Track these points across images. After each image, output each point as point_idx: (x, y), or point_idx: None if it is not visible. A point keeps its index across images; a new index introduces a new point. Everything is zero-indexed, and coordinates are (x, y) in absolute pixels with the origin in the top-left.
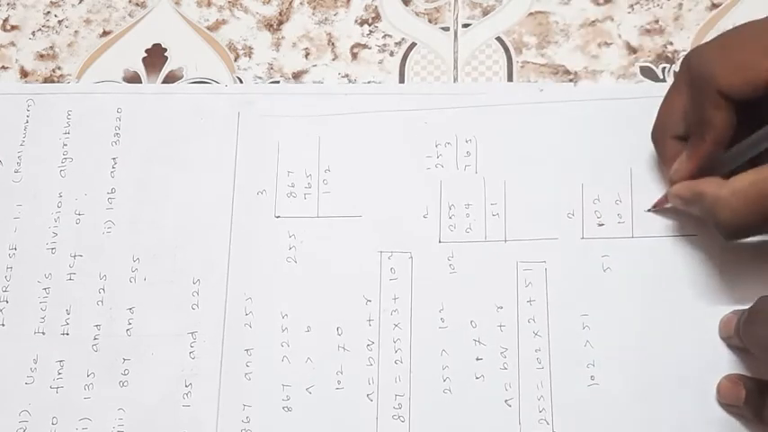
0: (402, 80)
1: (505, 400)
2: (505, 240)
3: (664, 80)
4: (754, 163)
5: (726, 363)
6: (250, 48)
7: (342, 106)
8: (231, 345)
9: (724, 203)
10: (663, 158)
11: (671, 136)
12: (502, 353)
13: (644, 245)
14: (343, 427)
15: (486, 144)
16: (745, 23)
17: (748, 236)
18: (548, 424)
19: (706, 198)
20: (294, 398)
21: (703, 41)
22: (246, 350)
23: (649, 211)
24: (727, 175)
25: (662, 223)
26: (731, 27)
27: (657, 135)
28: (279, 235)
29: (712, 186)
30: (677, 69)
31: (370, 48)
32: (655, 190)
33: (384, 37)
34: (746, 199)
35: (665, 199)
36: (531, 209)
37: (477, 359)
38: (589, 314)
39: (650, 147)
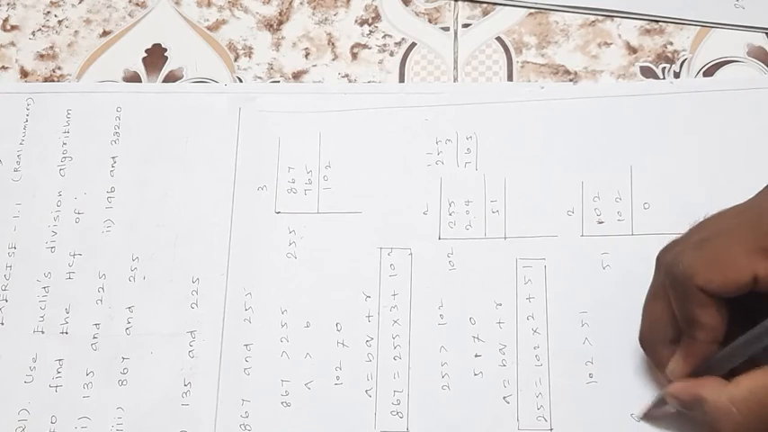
0: (402, 80)
1: (504, 397)
2: (505, 237)
3: (664, 79)
4: (755, 361)
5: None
6: (250, 48)
7: (342, 103)
8: (230, 340)
9: (725, 415)
10: (657, 365)
11: (662, 342)
12: (500, 349)
13: (643, 242)
14: (341, 423)
15: (487, 141)
16: (718, 215)
17: None
18: (546, 421)
19: (706, 404)
20: (293, 393)
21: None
22: (246, 345)
23: (640, 419)
24: (727, 374)
25: (662, 221)
26: (701, 220)
27: (646, 343)
28: (279, 231)
29: (712, 391)
30: (677, 70)
31: (370, 48)
32: (655, 189)
33: (384, 37)
34: (748, 410)
35: (651, 407)
36: (530, 206)
37: (476, 356)
38: (588, 311)
39: (651, 144)
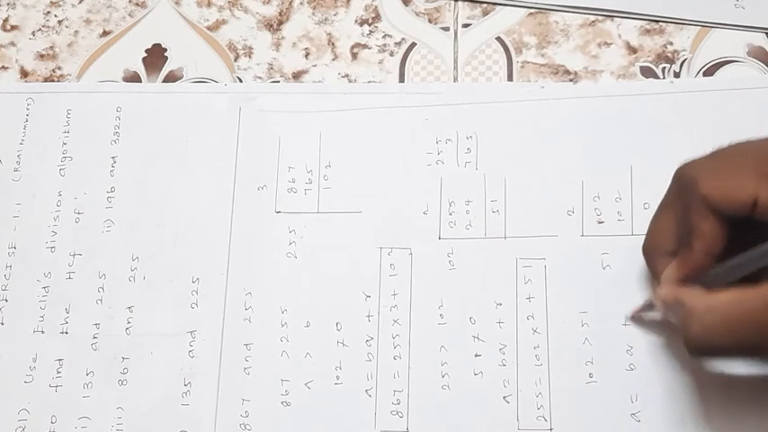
0: (402, 80)
1: (504, 397)
2: (505, 237)
3: (664, 79)
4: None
5: None
6: (250, 48)
7: (343, 103)
8: (230, 339)
9: (697, 318)
10: (654, 273)
11: (662, 253)
12: (500, 349)
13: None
14: (341, 422)
15: (487, 141)
16: (743, 142)
17: (714, 357)
18: (545, 421)
19: (683, 307)
20: (293, 392)
21: (703, 42)
22: (246, 345)
23: (629, 320)
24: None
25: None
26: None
27: (648, 252)
28: (279, 230)
29: (692, 297)
30: (677, 70)
31: (370, 48)
32: (655, 188)
33: (384, 37)
34: (723, 318)
35: (639, 310)
36: (531, 206)
37: (476, 355)
38: (588, 311)
39: (651, 144)
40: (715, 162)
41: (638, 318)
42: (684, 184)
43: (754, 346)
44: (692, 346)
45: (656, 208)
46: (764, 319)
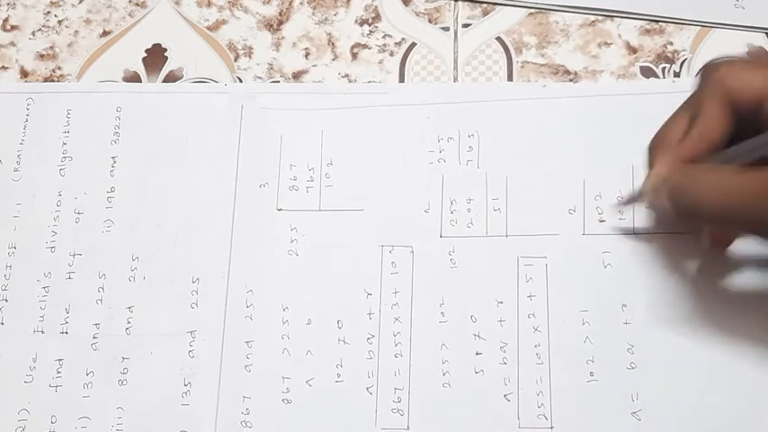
0: (402, 80)
1: (504, 395)
2: (506, 236)
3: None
4: None
5: (722, 355)
6: (250, 48)
7: (345, 101)
8: (231, 337)
9: (690, 183)
10: (651, 165)
11: (666, 146)
12: (501, 348)
13: (645, 241)
14: (342, 420)
15: (489, 139)
16: None
17: (700, 223)
18: (546, 419)
19: (674, 179)
20: (294, 390)
21: (703, 42)
22: (247, 342)
23: (618, 205)
24: None
25: (663, 220)
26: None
27: (652, 144)
28: (280, 228)
29: (686, 169)
30: (677, 69)
31: (370, 48)
32: None
33: (384, 37)
34: (713, 185)
35: (624, 203)
36: (532, 204)
37: (477, 354)
38: (589, 310)
39: None
40: (744, 61)
41: (624, 205)
42: (708, 72)
43: (745, 218)
44: (680, 210)
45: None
46: (758, 194)
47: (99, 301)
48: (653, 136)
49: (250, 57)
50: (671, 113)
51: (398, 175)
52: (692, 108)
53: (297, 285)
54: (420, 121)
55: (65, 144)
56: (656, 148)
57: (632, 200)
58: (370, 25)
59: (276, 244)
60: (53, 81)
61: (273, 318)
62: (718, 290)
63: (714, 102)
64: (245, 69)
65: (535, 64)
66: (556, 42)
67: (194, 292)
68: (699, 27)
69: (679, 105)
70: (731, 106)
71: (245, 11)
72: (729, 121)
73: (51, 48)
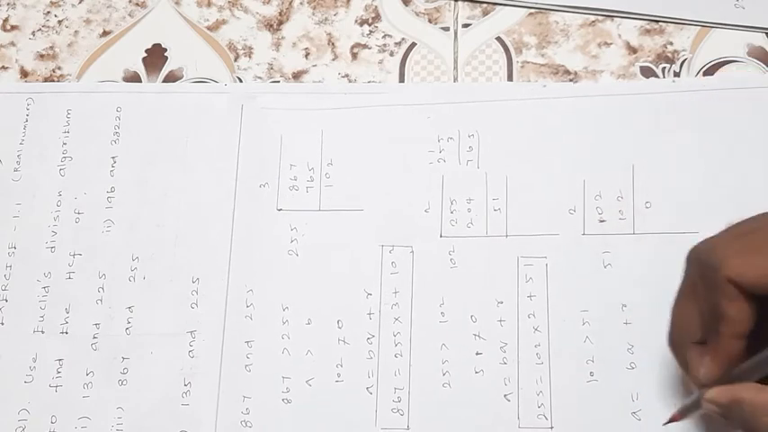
0: (402, 80)
1: (504, 395)
2: (506, 236)
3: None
4: None
5: None
6: (250, 48)
7: (345, 101)
8: (232, 337)
9: (762, 411)
10: (683, 365)
11: (688, 342)
12: (501, 348)
13: (645, 242)
14: (342, 420)
15: (489, 139)
16: (757, 215)
17: None
18: (546, 419)
19: (744, 404)
20: (294, 390)
21: (703, 42)
22: (247, 342)
23: (672, 419)
24: (764, 380)
25: (663, 220)
26: (739, 220)
27: (674, 344)
28: (281, 228)
29: (750, 392)
30: (677, 69)
31: (370, 48)
32: (657, 188)
33: (384, 37)
34: None
35: (679, 415)
36: (532, 204)
37: (477, 354)
38: (589, 310)
39: (652, 143)
40: (735, 242)
41: (677, 420)
42: (704, 267)
43: None
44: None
45: (656, 212)
46: None
47: (99, 301)
48: (668, 334)
49: (250, 57)
50: (674, 301)
51: (399, 175)
52: (697, 298)
53: (297, 285)
54: (420, 121)
55: (65, 144)
56: (680, 347)
57: (690, 410)
58: (370, 25)
59: (276, 244)
60: (53, 81)
61: (273, 317)
62: None
63: (732, 300)
64: (245, 69)
65: (535, 64)
66: (556, 42)
67: (194, 292)
68: (699, 27)
69: (676, 296)
70: (749, 296)
71: (245, 11)
72: (753, 311)
73: (51, 48)
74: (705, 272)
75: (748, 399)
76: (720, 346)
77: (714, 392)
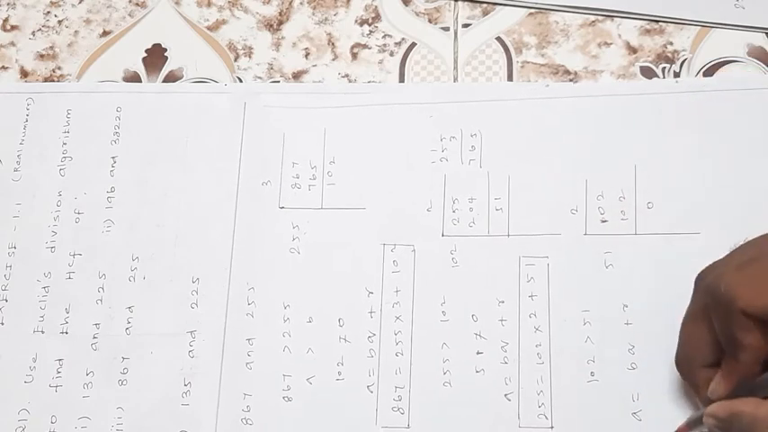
0: (402, 80)
1: (505, 395)
2: (508, 235)
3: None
4: None
5: None
6: (250, 48)
7: (347, 100)
8: (233, 334)
9: (762, 424)
10: (694, 387)
11: (699, 365)
12: (502, 347)
13: (647, 242)
14: (342, 418)
15: (491, 139)
16: (760, 238)
17: None
18: (546, 419)
19: (743, 418)
20: (295, 388)
21: (703, 42)
22: (248, 339)
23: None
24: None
25: (665, 221)
26: (742, 242)
27: (684, 366)
28: (283, 226)
29: (750, 406)
30: (677, 69)
31: (370, 48)
32: (658, 188)
33: (384, 37)
34: None
35: (685, 428)
36: (534, 204)
37: (478, 353)
38: (590, 310)
39: (654, 143)
40: (743, 272)
41: (686, 430)
42: (716, 298)
43: None
44: None
45: (658, 212)
46: None
47: (99, 301)
48: (677, 356)
49: (250, 57)
50: (683, 323)
51: (401, 173)
52: (706, 323)
53: (298, 283)
54: (423, 121)
55: (65, 144)
56: (689, 368)
57: (692, 426)
58: (370, 25)
59: (278, 242)
60: (53, 81)
61: (275, 315)
62: None
63: (749, 330)
64: (245, 69)
65: (535, 64)
66: (556, 42)
67: (194, 292)
68: (699, 27)
69: (684, 318)
70: (762, 324)
71: (245, 11)
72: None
73: (51, 48)
74: (718, 302)
75: (748, 412)
76: (737, 370)
77: (714, 407)
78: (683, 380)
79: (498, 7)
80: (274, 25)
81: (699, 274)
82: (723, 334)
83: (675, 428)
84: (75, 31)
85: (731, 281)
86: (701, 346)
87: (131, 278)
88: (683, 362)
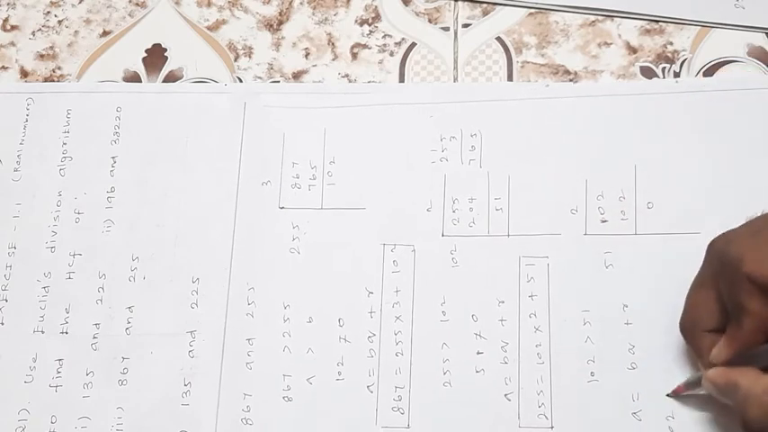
0: (402, 80)
1: (505, 395)
2: (508, 235)
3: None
4: None
5: None
6: (250, 48)
7: (347, 100)
8: (233, 334)
9: (755, 400)
10: (697, 351)
11: (702, 330)
12: (502, 347)
13: (646, 242)
14: (342, 418)
15: (492, 139)
16: None
17: None
18: (546, 419)
19: (739, 390)
20: (295, 388)
21: (703, 42)
22: (248, 339)
23: (671, 394)
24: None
25: (665, 221)
26: (761, 214)
27: (688, 330)
28: (283, 226)
29: (748, 379)
30: (677, 69)
31: (370, 48)
32: (659, 188)
33: (384, 37)
34: None
35: (683, 388)
36: (534, 204)
37: (478, 353)
38: (590, 310)
39: (655, 143)
40: (753, 240)
41: (680, 394)
42: (725, 262)
43: None
44: (750, 428)
45: (658, 212)
46: None
47: (99, 301)
48: (682, 319)
49: (250, 57)
50: (690, 289)
51: (401, 173)
52: (715, 288)
53: (298, 283)
54: (423, 121)
55: (65, 144)
56: (693, 332)
57: (690, 388)
58: (370, 25)
59: (278, 242)
60: (53, 81)
61: (275, 315)
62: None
63: (755, 296)
64: (245, 69)
65: (535, 64)
66: (556, 42)
67: (194, 292)
68: (699, 27)
69: (692, 284)
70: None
71: (245, 11)
72: None
73: (51, 48)
74: (726, 266)
75: (744, 385)
76: (740, 336)
77: (714, 373)
78: (687, 344)
79: (498, 7)
80: (274, 25)
81: (711, 241)
82: (729, 299)
83: (673, 388)
84: (75, 31)
85: (742, 245)
86: (706, 311)
87: (131, 278)
88: (688, 326)
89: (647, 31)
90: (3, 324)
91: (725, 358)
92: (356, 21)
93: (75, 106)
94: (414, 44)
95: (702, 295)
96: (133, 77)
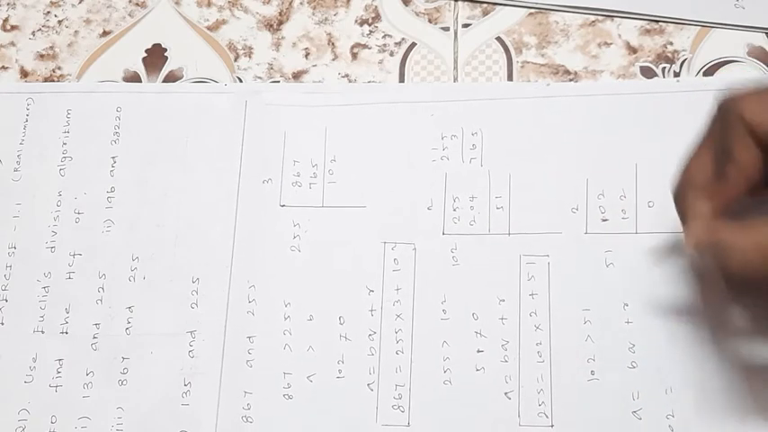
0: (402, 80)
1: (505, 393)
2: (509, 234)
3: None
4: None
5: (726, 356)
6: (250, 48)
7: (349, 98)
8: (233, 332)
9: (737, 253)
10: (682, 215)
11: (695, 189)
12: (503, 345)
13: (648, 241)
14: (343, 416)
15: (493, 137)
16: None
17: (751, 290)
18: (546, 417)
19: (721, 243)
20: (295, 386)
21: (703, 42)
22: (249, 337)
23: (661, 255)
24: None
25: (666, 220)
26: None
27: (678, 190)
28: (283, 224)
29: (731, 231)
30: (677, 69)
31: (370, 48)
32: (660, 187)
33: (384, 37)
34: (760, 252)
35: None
36: (535, 203)
37: (478, 351)
38: (591, 309)
39: (656, 143)
40: (757, 91)
41: (662, 258)
42: (726, 111)
43: None
44: (733, 280)
45: (659, 211)
46: None
47: (99, 301)
48: (676, 177)
49: (250, 57)
50: (688, 152)
51: (402, 172)
52: (713, 146)
53: (299, 281)
54: (424, 119)
55: (65, 144)
56: (684, 192)
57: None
58: (370, 25)
59: (279, 240)
60: (53, 81)
61: (275, 313)
62: (718, 289)
63: (746, 144)
64: (245, 69)
65: (535, 64)
66: (556, 42)
67: (194, 292)
68: (699, 27)
69: (692, 148)
70: (762, 144)
71: (245, 11)
72: (762, 164)
73: (51, 48)
74: (723, 110)
75: (727, 239)
76: (725, 187)
77: (698, 228)
78: (676, 209)
79: (498, 7)
80: (274, 25)
81: (721, 99)
82: (720, 143)
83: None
84: (75, 31)
85: (746, 97)
86: (698, 171)
87: (131, 278)
88: (681, 185)
89: (647, 31)
90: (3, 324)
91: (707, 211)
92: (356, 21)
93: (75, 106)
94: (414, 44)
95: (701, 154)
96: (133, 77)
